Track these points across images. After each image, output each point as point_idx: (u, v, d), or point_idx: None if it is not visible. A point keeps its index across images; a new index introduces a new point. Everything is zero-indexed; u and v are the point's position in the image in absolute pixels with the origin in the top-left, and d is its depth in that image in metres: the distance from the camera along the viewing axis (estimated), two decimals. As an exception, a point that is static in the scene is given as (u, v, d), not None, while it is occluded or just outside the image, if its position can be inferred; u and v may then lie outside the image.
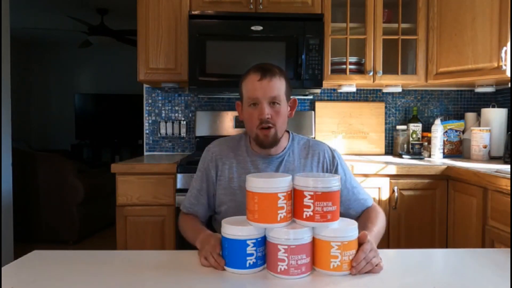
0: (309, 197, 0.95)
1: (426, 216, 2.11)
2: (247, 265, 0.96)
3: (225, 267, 0.98)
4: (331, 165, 1.35)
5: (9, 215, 3.01)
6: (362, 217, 1.31)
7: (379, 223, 1.22)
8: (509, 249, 1.15)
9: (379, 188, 2.10)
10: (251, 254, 0.96)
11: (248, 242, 0.95)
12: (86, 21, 4.53)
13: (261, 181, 0.97)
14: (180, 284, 0.93)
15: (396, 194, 2.08)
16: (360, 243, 0.97)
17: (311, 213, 0.95)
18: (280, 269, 0.94)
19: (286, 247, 0.93)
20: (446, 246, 2.09)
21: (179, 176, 2.01)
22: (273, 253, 0.95)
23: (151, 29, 2.36)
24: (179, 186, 2.01)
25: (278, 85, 1.25)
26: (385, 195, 2.10)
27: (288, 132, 1.39)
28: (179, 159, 2.19)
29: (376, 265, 0.96)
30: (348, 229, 0.96)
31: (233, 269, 0.97)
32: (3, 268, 0.99)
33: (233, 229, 0.97)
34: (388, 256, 1.20)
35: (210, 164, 1.35)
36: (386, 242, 2.11)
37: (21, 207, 3.59)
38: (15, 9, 4.46)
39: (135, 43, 2.67)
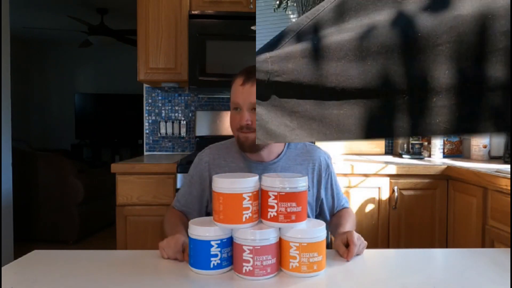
0: (273, 197, 0.94)
1: (426, 216, 2.11)
2: (211, 266, 0.95)
3: (191, 268, 0.97)
4: (325, 172, 1.37)
5: (9, 215, 3.01)
6: (337, 214, 1.39)
7: (351, 221, 1.32)
8: (509, 249, 1.15)
9: (379, 188, 2.10)
10: (216, 255, 0.95)
11: (212, 243, 0.95)
12: (86, 21, 4.53)
13: (226, 181, 0.96)
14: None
15: (396, 194, 2.08)
16: (349, 240, 1.07)
17: (275, 214, 0.94)
18: (245, 270, 0.93)
19: (250, 247, 0.92)
20: (446, 246, 2.09)
21: (179, 176, 2.01)
22: (238, 254, 0.95)
23: (151, 29, 2.36)
24: (179, 186, 2.01)
25: None
26: (385, 195, 2.10)
27: None
28: (179, 159, 2.19)
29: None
30: (310, 230, 0.95)
31: (198, 270, 0.96)
32: (3, 268, 0.99)
33: (198, 229, 0.96)
34: (388, 256, 1.20)
35: (205, 174, 1.34)
36: (386, 242, 2.11)
37: (21, 207, 3.58)
38: (15, 9, 4.45)
39: (135, 43, 2.67)
